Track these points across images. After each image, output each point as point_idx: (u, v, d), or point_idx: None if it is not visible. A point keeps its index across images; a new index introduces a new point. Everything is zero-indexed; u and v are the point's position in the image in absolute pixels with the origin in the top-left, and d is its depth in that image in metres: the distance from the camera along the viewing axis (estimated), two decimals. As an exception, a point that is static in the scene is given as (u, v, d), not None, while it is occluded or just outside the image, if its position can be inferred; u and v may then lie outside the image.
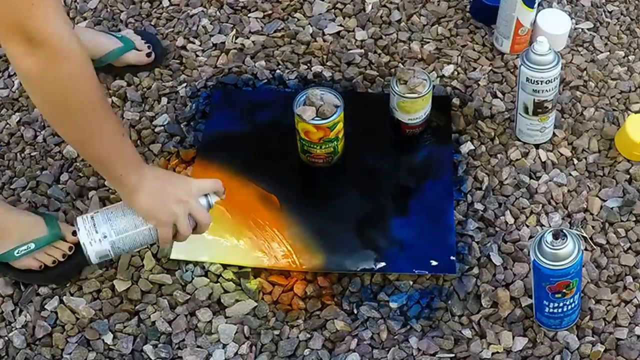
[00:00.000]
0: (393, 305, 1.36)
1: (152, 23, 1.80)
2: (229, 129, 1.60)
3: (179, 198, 1.22)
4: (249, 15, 1.81)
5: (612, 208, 1.48)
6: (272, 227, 1.44)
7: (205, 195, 1.26)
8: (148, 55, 1.68)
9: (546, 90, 1.47)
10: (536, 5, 1.65)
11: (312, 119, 1.44)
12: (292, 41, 1.75)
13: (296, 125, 1.47)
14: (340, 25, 1.77)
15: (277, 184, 1.50)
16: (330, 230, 1.44)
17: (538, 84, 1.46)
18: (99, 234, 1.21)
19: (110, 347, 1.33)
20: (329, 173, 1.52)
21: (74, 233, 1.34)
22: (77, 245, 1.31)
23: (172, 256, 1.41)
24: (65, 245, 1.37)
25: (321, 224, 1.45)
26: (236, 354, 1.32)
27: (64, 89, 1.07)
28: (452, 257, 1.39)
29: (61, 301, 1.37)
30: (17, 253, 1.34)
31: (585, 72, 1.69)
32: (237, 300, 1.37)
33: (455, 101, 1.63)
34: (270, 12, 1.81)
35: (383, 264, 1.39)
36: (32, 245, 1.34)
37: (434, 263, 1.39)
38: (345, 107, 1.46)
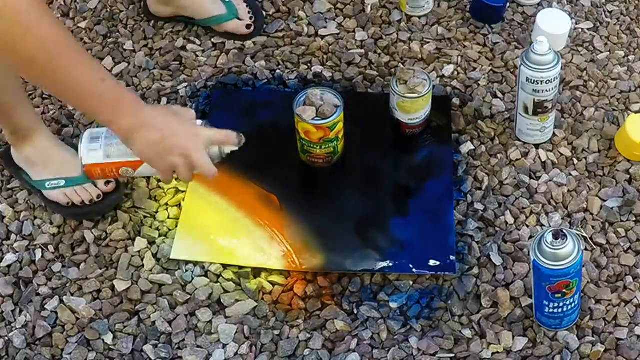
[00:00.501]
0: (393, 305, 1.36)
1: (152, 24, 1.79)
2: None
3: (181, 152, 1.17)
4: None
5: (612, 208, 1.48)
6: (272, 227, 1.44)
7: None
8: (247, 27, 1.72)
9: (546, 90, 1.47)
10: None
11: (312, 119, 1.44)
12: (293, 41, 1.75)
13: (296, 125, 1.47)
14: (341, 25, 1.77)
15: (277, 184, 1.50)
16: (330, 230, 1.44)
17: (538, 84, 1.46)
18: (99, 151, 1.23)
19: (110, 347, 1.33)
20: (329, 173, 1.52)
21: (107, 183, 1.44)
22: (106, 193, 1.45)
23: (172, 256, 1.41)
24: (95, 192, 1.44)
25: (321, 224, 1.45)
26: (236, 354, 1.31)
27: (5, 44, 1.02)
28: (452, 257, 1.39)
29: (61, 301, 1.37)
30: (48, 185, 1.45)
31: (585, 72, 1.69)
32: (237, 300, 1.37)
33: (455, 101, 1.63)
34: (270, 12, 1.81)
35: (383, 264, 1.39)
36: (62, 182, 1.44)
37: (434, 263, 1.39)
38: (345, 107, 1.46)
